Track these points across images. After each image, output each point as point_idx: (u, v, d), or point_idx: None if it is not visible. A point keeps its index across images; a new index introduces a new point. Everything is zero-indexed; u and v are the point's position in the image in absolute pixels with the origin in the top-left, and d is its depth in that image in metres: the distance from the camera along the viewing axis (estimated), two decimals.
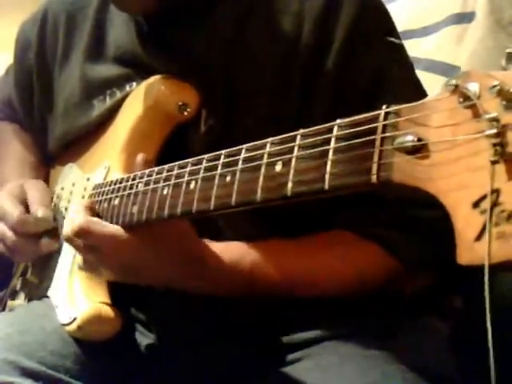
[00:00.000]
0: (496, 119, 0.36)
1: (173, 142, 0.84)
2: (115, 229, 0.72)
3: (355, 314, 0.79)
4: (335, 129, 0.46)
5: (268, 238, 0.78)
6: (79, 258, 0.82)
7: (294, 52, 0.78)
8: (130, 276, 0.75)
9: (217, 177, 0.58)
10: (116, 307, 0.78)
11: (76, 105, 0.93)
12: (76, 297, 0.80)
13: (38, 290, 0.94)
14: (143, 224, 0.69)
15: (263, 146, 0.53)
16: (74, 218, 0.73)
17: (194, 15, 0.83)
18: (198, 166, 0.61)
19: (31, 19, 1.03)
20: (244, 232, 0.78)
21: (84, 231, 0.72)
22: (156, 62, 0.85)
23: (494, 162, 0.36)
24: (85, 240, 0.73)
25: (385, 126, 0.42)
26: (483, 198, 0.36)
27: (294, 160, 0.49)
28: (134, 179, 0.73)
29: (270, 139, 0.53)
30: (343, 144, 0.45)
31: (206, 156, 0.61)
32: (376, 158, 0.42)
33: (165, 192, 0.65)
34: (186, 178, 0.62)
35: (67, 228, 0.74)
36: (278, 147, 0.51)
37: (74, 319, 0.77)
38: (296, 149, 0.49)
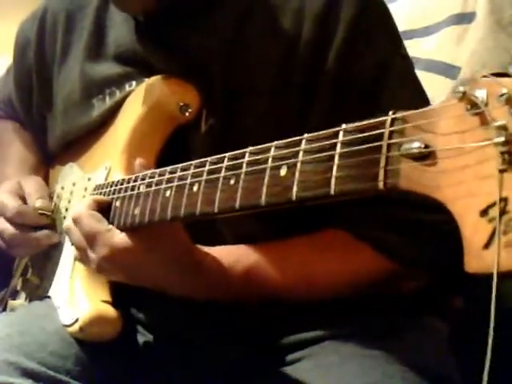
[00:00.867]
0: (504, 127, 0.36)
1: (174, 142, 0.84)
2: (115, 229, 0.72)
3: (355, 313, 0.79)
4: (341, 134, 0.46)
5: (265, 237, 0.78)
6: (81, 266, 0.82)
7: (295, 50, 0.78)
8: (123, 277, 0.76)
9: (220, 179, 0.57)
10: (117, 308, 0.78)
11: (75, 104, 0.93)
12: (78, 298, 0.80)
13: (38, 290, 0.94)
14: (144, 226, 0.69)
15: (268, 150, 0.53)
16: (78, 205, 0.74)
17: (193, 14, 0.83)
18: (201, 169, 0.61)
19: (30, 18, 1.03)
20: (240, 231, 0.78)
21: (80, 219, 0.74)
22: (156, 60, 0.85)
23: (502, 171, 0.36)
24: (79, 228, 0.74)
25: (391, 132, 0.42)
26: (491, 206, 0.36)
27: (299, 164, 0.49)
28: (135, 181, 0.73)
29: (274, 143, 0.53)
30: (349, 149, 0.45)
31: (209, 158, 0.61)
32: (383, 164, 0.42)
33: (167, 194, 0.65)
34: (189, 181, 0.62)
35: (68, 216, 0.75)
36: (283, 151, 0.51)
37: (76, 320, 0.77)
38: (301, 153, 0.49)
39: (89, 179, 0.90)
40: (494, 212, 0.36)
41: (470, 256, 0.37)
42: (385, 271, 0.77)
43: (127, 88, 0.87)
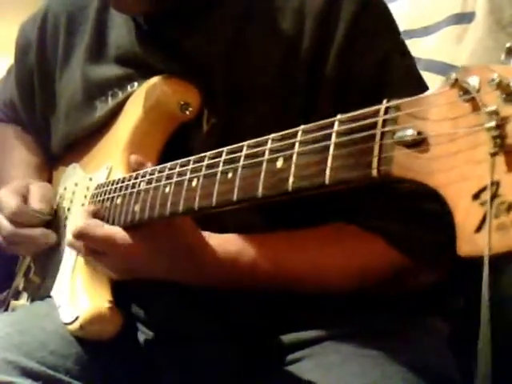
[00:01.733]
0: (495, 112, 0.37)
1: (175, 142, 0.84)
2: (115, 230, 0.73)
3: (355, 313, 0.79)
4: (336, 124, 0.47)
5: (270, 229, 0.78)
6: (83, 263, 0.83)
7: (296, 50, 0.78)
8: (131, 273, 0.76)
9: (218, 174, 0.58)
10: (118, 307, 0.78)
11: (78, 106, 0.93)
12: (78, 296, 0.80)
13: (40, 290, 0.94)
14: (145, 222, 0.69)
15: (265, 143, 0.54)
16: (76, 222, 0.75)
17: (193, 15, 0.83)
18: (200, 164, 0.61)
19: (31, 20, 1.03)
20: (246, 223, 0.78)
21: (83, 233, 0.75)
22: (156, 61, 0.85)
23: (493, 154, 0.36)
24: (85, 242, 0.75)
25: (385, 121, 0.43)
26: (483, 189, 0.37)
27: (295, 156, 0.49)
28: (136, 178, 0.73)
29: (271, 136, 0.53)
30: (344, 139, 0.45)
31: (207, 153, 0.61)
32: (376, 152, 0.42)
33: (167, 190, 0.66)
34: (187, 176, 0.63)
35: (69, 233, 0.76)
36: (280, 143, 0.52)
37: (76, 318, 0.78)
38: (297, 144, 0.49)
39: (90, 179, 0.90)
40: (486, 196, 0.36)
41: (462, 240, 0.37)
42: (392, 262, 0.76)
43: (129, 89, 0.88)
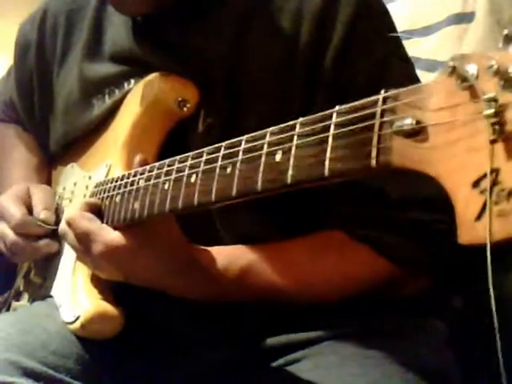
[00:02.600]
0: (494, 99, 0.36)
1: (173, 143, 0.84)
2: (104, 230, 0.73)
3: (355, 314, 0.79)
4: (334, 115, 0.46)
5: (263, 237, 0.78)
6: (82, 264, 0.82)
7: (294, 51, 0.78)
8: (120, 275, 0.76)
9: (217, 169, 0.58)
10: (119, 306, 0.78)
11: (75, 104, 0.93)
12: (79, 295, 0.80)
13: (41, 290, 0.94)
14: (141, 222, 0.69)
15: (263, 136, 0.53)
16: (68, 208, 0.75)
17: (193, 15, 0.84)
18: (199, 159, 0.61)
19: (30, 19, 1.03)
20: (238, 231, 0.79)
21: (70, 221, 0.75)
22: (154, 60, 0.85)
23: (492, 142, 0.36)
24: (73, 229, 0.75)
25: (383, 111, 0.42)
26: (483, 177, 0.36)
27: (293, 148, 0.49)
28: (135, 175, 0.73)
29: (269, 129, 0.53)
30: (342, 130, 0.45)
31: (206, 149, 0.61)
32: (375, 142, 0.42)
33: (166, 187, 0.65)
34: (186, 172, 0.63)
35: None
36: (278, 136, 0.52)
37: (78, 318, 0.77)
38: (295, 137, 0.49)
39: (89, 177, 0.90)
40: (486, 183, 0.36)
41: (463, 228, 0.37)
42: (384, 273, 0.76)
43: (126, 87, 0.88)
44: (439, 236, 0.70)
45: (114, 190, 0.77)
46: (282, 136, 0.51)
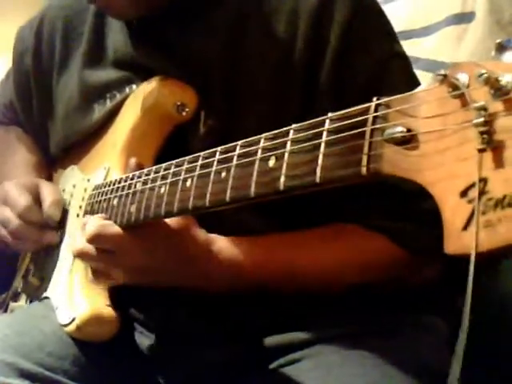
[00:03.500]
0: (484, 108, 0.36)
1: (173, 144, 0.84)
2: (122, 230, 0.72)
3: (355, 314, 0.79)
4: (327, 122, 0.46)
5: (271, 231, 0.78)
6: (80, 264, 0.83)
7: (292, 51, 0.78)
8: (144, 275, 0.74)
9: (212, 173, 0.58)
10: (115, 308, 0.78)
11: (76, 109, 0.93)
12: (75, 297, 0.80)
13: (38, 292, 0.94)
14: (141, 223, 0.69)
15: (257, 142, 0.53)
16: (87, 225, 0.73)
17: (190, 17, 0.84)
18: (195, 164, 0.61)
19: (28, 25, 1.04)
20: (246, 226, 0.78)
21: (99, 235, 0.72)
22: (154, 64, 0.86)
23: (481, 151, 0.36)
24: (100, 244, 0.73)
25: (375, 118, 0.42)
26: (471, 186, 0.36)
27: (286, 154, 0.49)
28: (132, 179, 0.73)
29: (263, 135, 0.53)
30: (335, 137, 0.45)
31: (202, 153, 0.61)
32: (366, 150, 0.42)
33: (162, 190, 0.66)
34: (182, 176, 0.63)
35: (79, 241, 0.74)
36: (272, 142, 0.52)
37: (73, 320, 0.77)
38: (289, 143, 0.49)
39: (88, 180, 0.90)
40: (474, 193, 0.36)
41: (450, 237, 0.37)
42: (395, 259, 0.77)
43: (127, 91, 0.88)
44: None
45: (111, 193, 0.77)
46: (275, 142, 0.51)
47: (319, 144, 0.46)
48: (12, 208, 0.91)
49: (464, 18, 1.06)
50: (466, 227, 0.36)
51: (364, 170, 0.42)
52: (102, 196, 0.80)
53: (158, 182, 0.67)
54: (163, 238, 0.71)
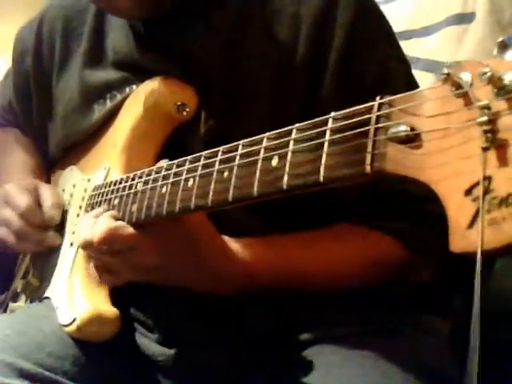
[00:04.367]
0: (487, 107, 0.36)
1: (173, 144, 0.84)
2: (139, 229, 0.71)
3: (355, 314, 0.79)
4: (330, 121, 0.46)
5: (270, 232, 0.78)
6: (80, 264, 0.82)
7: (292, 54, 0.78)
8: (154, 274, 0.74)
9: (214, 173, 0.58)
10: (115, 308, 0.78)
11: (76, 109, 0.93)
12: (76, 298, 0.80)
13: (38, 292, 0.94)
14: (142, 223, 0.69)
15: (260, 142, 0.54)
16: (97, 225, 0.71)
17: (191, 18, 0.84)
18: (196, 164, 0.61)
19: (28, 25, 1.04)
20: (244, 226, 0.78)
21: (111, 236, 0.70)
22: (154, 64, 0.86)
23: (485, 149, 0.36)
24: (113, 245, 0.71)
25: (378, 117, 0.43)
26: (475, 185, 0.36)
27: (289, 154, 0.49)
28: (133, 179, 0.73)
29: (266, 134, 0.53)
30: (338, 136, 0.45)
31: (204, 153, 0.61)
32: (369, 149, 0.42)
33: (163, 190, 0.66)
34: (184, 176, 0.63)
35: (87, 235, 0.72)
36: (275, 142, 0.52)
37: (74, 320, 0.77)
38: (292, 143, 0.49)
39: (88, 180, 0.90)
40: (478, 191, 0.36)
41: (455, 236, 0.37)
42: (399, 260, 0.77)
43: (127, 91, 0.88)
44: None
45: (112, 194, 0.77)
46: (278, 141, 0.51)
47: (322, 143, 0.46)
48: (13, 209, 0.91)
49: (464, 18, 1.06)
50: (471, 225, 0.36)
51: (368, 168, 0.42)
52: (102, 196, 0.80)
53: (160, 182, 0.67)
54: (178, 237, 0.70)
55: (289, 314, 0.80)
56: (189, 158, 0.64)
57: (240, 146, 0.56)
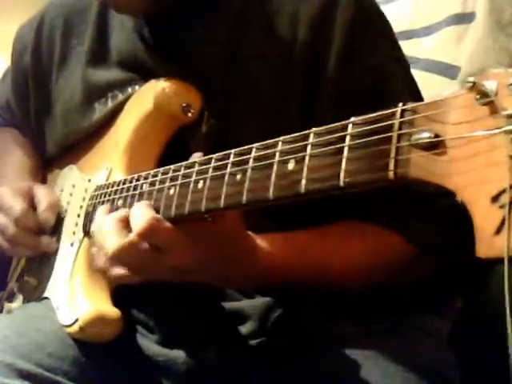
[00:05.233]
0: None
1: (173, 143, 0.84)
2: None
3: (355, 314, 0.79)
4: (350, 126, 0.47)
5: (279, 230, 0.77)
6: (81, 265, 0.82)
7: (292, 53, 0.78)
8: (182, 275, 0.70)
9: (226, 175, 0.58)
10: (117, 309, 0.78)
11: (76, 108, 0.93)
12: (78, 298, 0.80)
13: (35, 292, 0.93)
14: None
15: (275, 145, 0.54)
16: (136, 216, 0.66)
17: (192, 18, 0.83)
18: (207, 166, 0.61)
19: (28, 23, 1.03)
20: (256, 226, 0.78)
21: (153, 229, 0.64)
22: (156, 64, 0.85)
23: None
24: (151, 240, 0.65)
25: (401, 123, 0.43)
26: (502, 192, 0.37)
27: (307, 158, 0.49)
28: (138, 180, 0.73)
29: (281, 138, 0.53)
30: (359, 141, 0.45)
31: (214, 155, 0.61)
32: (393, 154, 0.42)
33: (171, 192, 0.65)
34: (193, 178, 0.62)
35: (117, 238, 0.67)
36: (290, 146, 0.52)
37: (76, 321, 0.77)
38: (309, 147, 0.50)
39: (89, 180, 0.89)
40: (505, 198, 0.36)
41: (482, 242, 0.37)
42: (409, 257, 0.77)
43: (130, 91, 0.87)
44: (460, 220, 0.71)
45: (115, 194, 0.76)
46: (294, 145, 0.51)
47: (342, 148, 0.46)
48: (7, 214, 0.90)
49: (464, 18, 1.07)
50: (497, 232, 0.36)
51: (391, 174, 0.42)
52: (104, 197, 0.80)
53: (167, 184, 0.66)
54: (213, 238, 0.67)
55: (289, 314, 0.81)
56: (198, 160, 0.63)
57: (253, 149, 0.56)
